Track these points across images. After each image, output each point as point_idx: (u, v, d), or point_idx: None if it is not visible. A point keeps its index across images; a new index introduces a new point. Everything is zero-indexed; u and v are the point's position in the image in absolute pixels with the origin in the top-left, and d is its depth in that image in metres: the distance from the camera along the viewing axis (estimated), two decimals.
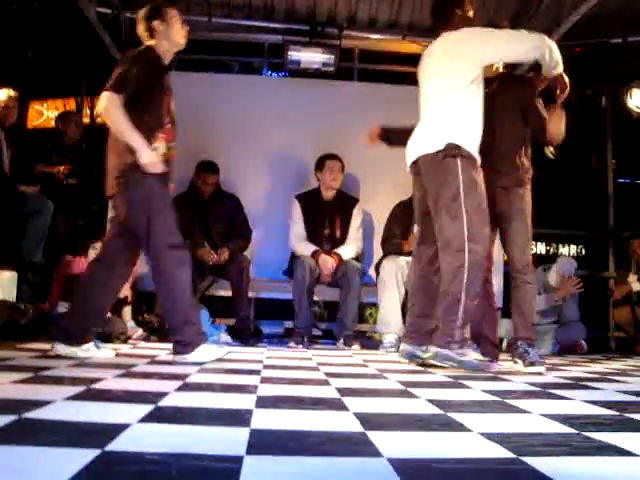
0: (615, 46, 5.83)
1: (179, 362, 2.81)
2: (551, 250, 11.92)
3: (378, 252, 5.05)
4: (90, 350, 2.99)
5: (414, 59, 5.73)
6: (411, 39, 5.86)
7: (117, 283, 3.14)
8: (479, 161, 3.23)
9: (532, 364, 3.24)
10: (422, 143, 3.29)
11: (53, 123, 5.90)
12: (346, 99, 5.71)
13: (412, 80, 5.46)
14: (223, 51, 6.60)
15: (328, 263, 4.59)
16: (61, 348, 2.93)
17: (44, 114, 10.04)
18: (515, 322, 3.54)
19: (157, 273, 2.90)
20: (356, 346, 4.47)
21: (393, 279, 4.52)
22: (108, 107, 2.81)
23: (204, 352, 2.85)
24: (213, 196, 4.90)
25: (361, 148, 5.41)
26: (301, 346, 4.37)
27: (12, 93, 4.54)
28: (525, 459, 1.26)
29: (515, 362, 3.39)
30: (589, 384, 2.72)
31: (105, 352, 3.07)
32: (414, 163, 3.33)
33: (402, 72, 6.17)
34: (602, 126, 6.65)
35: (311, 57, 5.70)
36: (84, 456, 1.13)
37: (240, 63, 7.23)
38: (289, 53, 5.68)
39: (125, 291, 4.39)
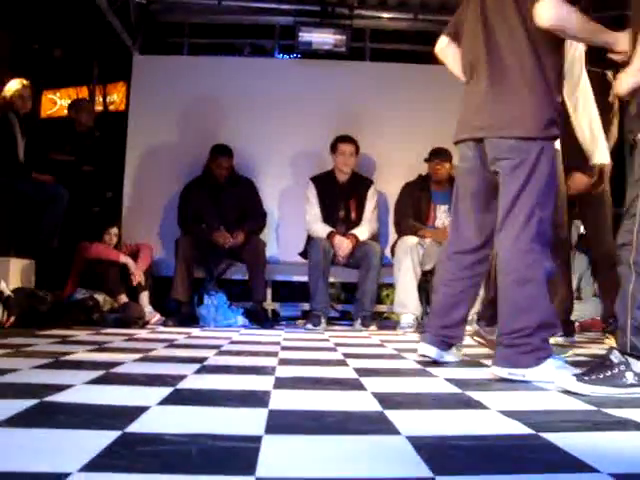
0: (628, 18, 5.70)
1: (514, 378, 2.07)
2: None
3: (393, 233, 5.02)
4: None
5: (426, 37, 5.69)
6: (422, 17, 5.78)
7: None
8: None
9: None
10: None
11: (66, 112, 5.89)
12: (359, 79, 5.67)
13: (424, 59, 5.43)
14: (233, 34, 6.56)
15: (344, 244, 4.58)
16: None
17: (57, 103, 10.05)
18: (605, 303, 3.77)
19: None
20: (373, 327, 4.47)
21: (409, 260, 4.50)
22: (555, 12, 2.00)
23: (551, 369, 2.04)
24: (228, 180, 4.89)
25: (375, 128, 5.40)
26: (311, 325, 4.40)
27: (25, 82, 4.57)
28: (543, 435, 1.26)
29: (607, 337, 3.49)
30: None
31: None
32: None
33: (414, 51, 6.11)
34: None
35: (322, 38, 5.65)
36: (105, 438, 1.14)
37: (251, 46, 7.19)
38: (300, 34, 5.63)
39: (138, 277, 4.41)
